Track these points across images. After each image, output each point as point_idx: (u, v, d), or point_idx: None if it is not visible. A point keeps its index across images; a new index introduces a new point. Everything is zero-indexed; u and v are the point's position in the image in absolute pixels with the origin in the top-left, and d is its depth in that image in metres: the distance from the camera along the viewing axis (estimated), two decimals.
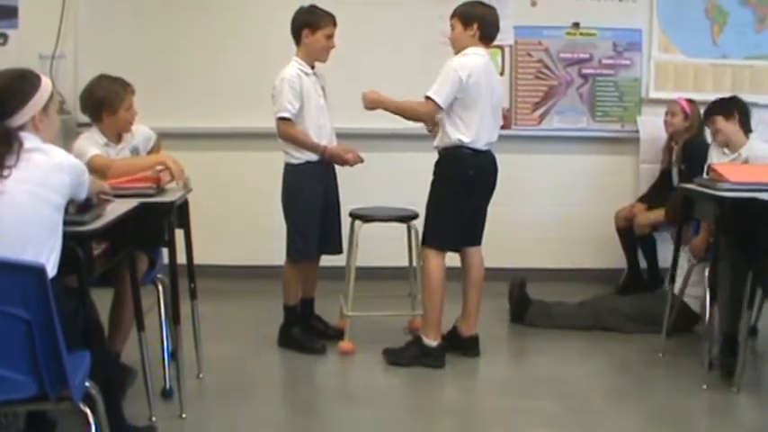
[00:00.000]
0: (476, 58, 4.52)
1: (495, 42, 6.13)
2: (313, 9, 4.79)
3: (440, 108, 4.47)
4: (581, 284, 6.16)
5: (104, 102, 4.04)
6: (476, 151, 4.53)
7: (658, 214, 5.67)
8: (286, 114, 4.64)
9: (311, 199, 4.77)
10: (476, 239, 4.74)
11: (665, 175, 5.91)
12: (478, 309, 4.76)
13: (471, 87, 4.45)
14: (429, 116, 4.62)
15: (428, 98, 4.46)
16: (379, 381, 4.48)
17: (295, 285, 4.87)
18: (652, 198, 5.90)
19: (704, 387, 4.14)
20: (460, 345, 4.75)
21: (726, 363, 4.22)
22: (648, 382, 4.38)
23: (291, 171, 4.76)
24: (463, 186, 4.57)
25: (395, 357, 4.64)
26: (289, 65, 4.73)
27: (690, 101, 5.78)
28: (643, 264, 5.96)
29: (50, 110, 2.88)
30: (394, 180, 5.86)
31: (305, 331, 4.91)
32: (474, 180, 4.58)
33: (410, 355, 4.63)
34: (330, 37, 4.75)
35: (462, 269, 4.77)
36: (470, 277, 4.74)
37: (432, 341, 4.61)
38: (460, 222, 4.62)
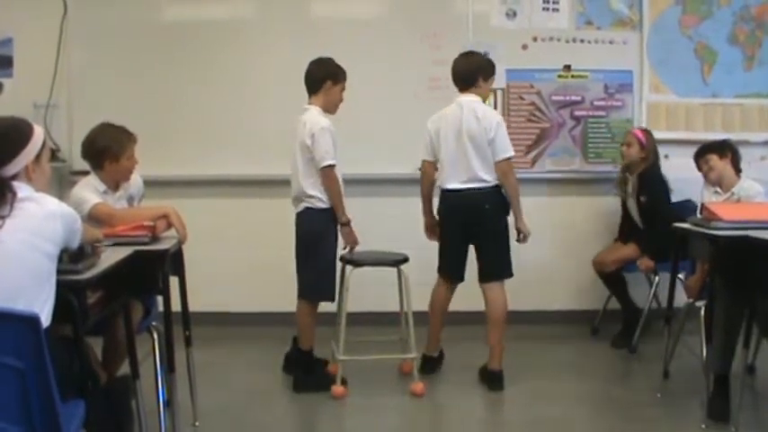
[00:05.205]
0: (447, 108, 4.95)
1: None
2: (334, 62, 4.95)
3: (426, 161, 5.04)
4: (581, 326, 6.17)
5: (108, 150, 4.07)
6: (445, 191, 4.96)
7: (625, 251, 5.73)
8: (333, 162, 4.76)
9: (336, 241, 4.92)
10: (456, 273, 5.04)
11: (625, 208, 5.98)
12: (499, 345, 4.90)
13: (434, 134, 4.95)
14: (426, 171, 5.08)
15: None
16: (375, 423, 4.45)
17: (313, 328, 4.91)
18: (624, 234, 5.98)
19: (703, 426, 4.11)
20: (485, 377, 4.95)
21: (718, 408, 4.15)
22: (648, 422, 4.34)
23: (319, 215, 4.85)
24: (442, 222, 5.05)
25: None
26: (315, 113, 4.83)
27: (645, 131, 5.84)
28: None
29: (43, 159, 2.88)
30: (383, 225, 5.84)
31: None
32: (445, 216, 5.02)
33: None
34: (343, 91, 4.94)
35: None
36: (487, 314, 4.96)
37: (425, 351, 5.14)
38: (442, 253, 5.07)
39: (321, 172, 4.77)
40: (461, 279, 5.07)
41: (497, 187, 4.89)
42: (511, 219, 4.98)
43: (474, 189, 4.86)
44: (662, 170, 5.74)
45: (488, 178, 4.86)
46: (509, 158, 4.89)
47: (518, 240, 5.02)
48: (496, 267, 4.94)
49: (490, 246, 4.94)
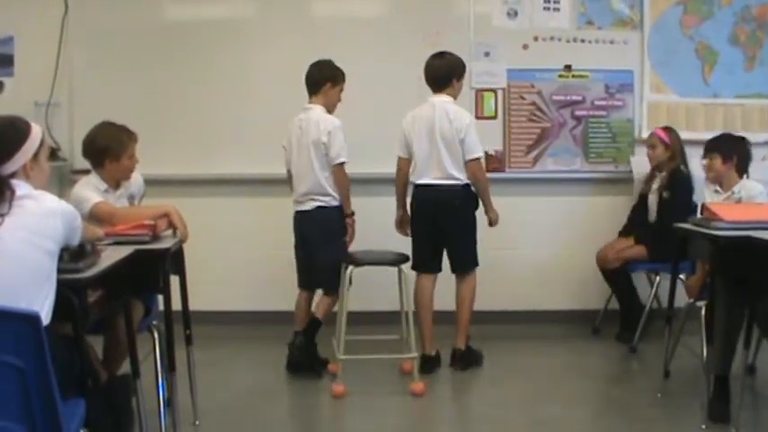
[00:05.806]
0: (421, 107, 5.13)
1: (488, 86, 6.29)
2: (333, 64, 5.10)
3: (401, 157, 5.20)
4: (582, 326, 6.16)
5: (108, 149, 4.08)
6: (417, 185, 5.14)
7: (631, 251, 5.71)
8: (346, 159, 5.01)
9: (345, 237, 5.09)
10: (428, 266, 5.18)
11: (642, 203, 5.93)
12: (466, 324, 5.18)
13: (408, 133, 5.12)
14: (401, 167, 5.23)
15: None
16: (376, 423, 4.44)
17: None
18: (629, 229, 5.96)
19: (703, 427, 4.10)
20: (453, 358, 5.22)
21: (718, 409, 4.14)
22: (648, 423, 4.33)
23: (332, 212, 5.05)
24: (413, 215, 5.22)
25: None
26: (321, 112, 5.01)
27: (666, 129, 5.82)
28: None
29: (41, 157, 2.88)
30: (384, 224, 5.82)
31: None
32: (416, 209, 5.19)
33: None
34: (341, 92, 5.11)
35: None
36: (457, 294, 5.20)
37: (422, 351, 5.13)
38: (415, 247, 5.18)
39: (334, 168, 4.94)
40: (438, 270, 5.22)
41: (468, 185, 5.10)
42: (479, 211, 5.21)
43: (445, 186, 5.06)
44: (690, 168, 5.71)
45: (460, 176, 5.06)
46: (478, 158, 5.08)
47: (490, 225, 5.24)
48: (466, 260, 5.18)
49: (459, 241, 5.14)
